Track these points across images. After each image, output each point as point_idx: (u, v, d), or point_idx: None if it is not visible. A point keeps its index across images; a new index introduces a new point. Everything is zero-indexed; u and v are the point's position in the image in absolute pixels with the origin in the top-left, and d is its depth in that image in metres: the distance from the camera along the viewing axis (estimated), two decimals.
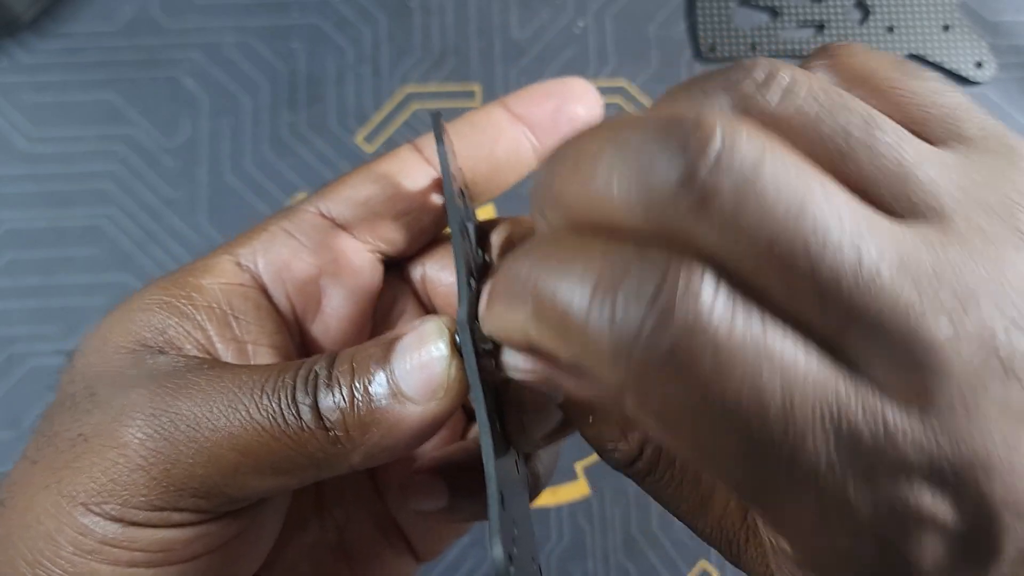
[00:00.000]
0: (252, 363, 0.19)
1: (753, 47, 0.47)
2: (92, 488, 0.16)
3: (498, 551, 0.13)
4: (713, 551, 0.42)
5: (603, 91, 0.46)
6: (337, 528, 0.22)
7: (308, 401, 0.16)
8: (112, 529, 0.16)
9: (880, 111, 0.14)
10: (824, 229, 0.11)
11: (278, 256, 0.20)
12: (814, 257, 0.11)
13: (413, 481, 0.21)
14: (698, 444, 0.12)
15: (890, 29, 0.47)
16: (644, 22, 0.47)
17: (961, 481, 0.12)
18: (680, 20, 0.47)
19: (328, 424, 0.16)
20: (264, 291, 0.20)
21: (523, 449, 0.20)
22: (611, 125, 0.13)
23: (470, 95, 0.46)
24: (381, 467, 0.23)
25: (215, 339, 0.19)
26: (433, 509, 0.21)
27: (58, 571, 0.16)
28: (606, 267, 0.12)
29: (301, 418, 0.16)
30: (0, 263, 0.43)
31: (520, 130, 0.21)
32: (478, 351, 0.16)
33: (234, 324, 0.19)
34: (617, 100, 0.46)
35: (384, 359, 0.16)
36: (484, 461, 0.15)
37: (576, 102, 0.22)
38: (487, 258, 0.20)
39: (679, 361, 0.11)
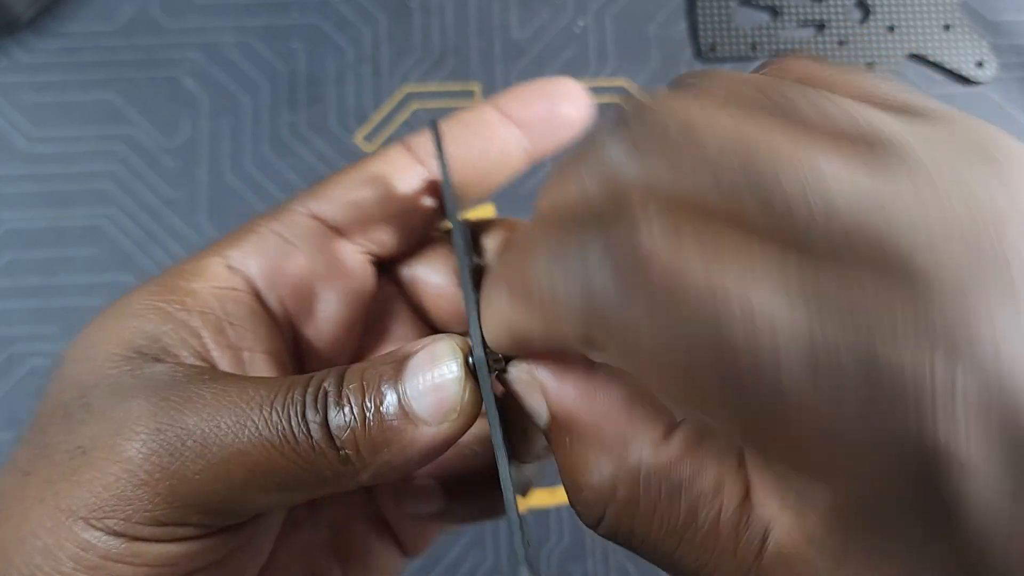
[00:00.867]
0: (249, 371, 0.19)
1: (753, 47, 0.47)
2: (93, 503, 0.16)
3: None
4: None
5: (603, 91, 0.46)
6: (329, 527, 0.22)
7: (318, 419, 0.16)
8: (115, 544, 0.16)
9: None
10: (769, 155, 0.11)
11: (270, 259, 0.20)
12: (765, 185, 0.11)
13: (409, 485, 0.21)
14: (675, 383, 0.12)
15: (891, 29, 0.47)
16: (644, 22, 0.47)
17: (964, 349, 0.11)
18: (680, 20, 0.47)
19: (339, 443, 0.16)
20: (257, 295, 0.20)
21: (524, 460, 0.20)
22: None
23: (470, 95, 0.46)
24: None
25: (211, 346, 0.18)
26: (429, 512, 0.21)
27: None
28: (557, 233, 0.13)
29: (311, 436, 0.16)
30: (0, 263, 0.43)
31: (511, 131, 0.21)
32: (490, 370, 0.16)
33: (229, 330, 0.19)
34: (617, 99, 0.46)
35: (395, 378, 0.16)
36: (503, 490, 0.15)
37: (567, 102, 0.21)
38: (480, 263, 0.20)
39: (629, 290, 0.12)
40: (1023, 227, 0.11)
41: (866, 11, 0.47)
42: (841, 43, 0.47)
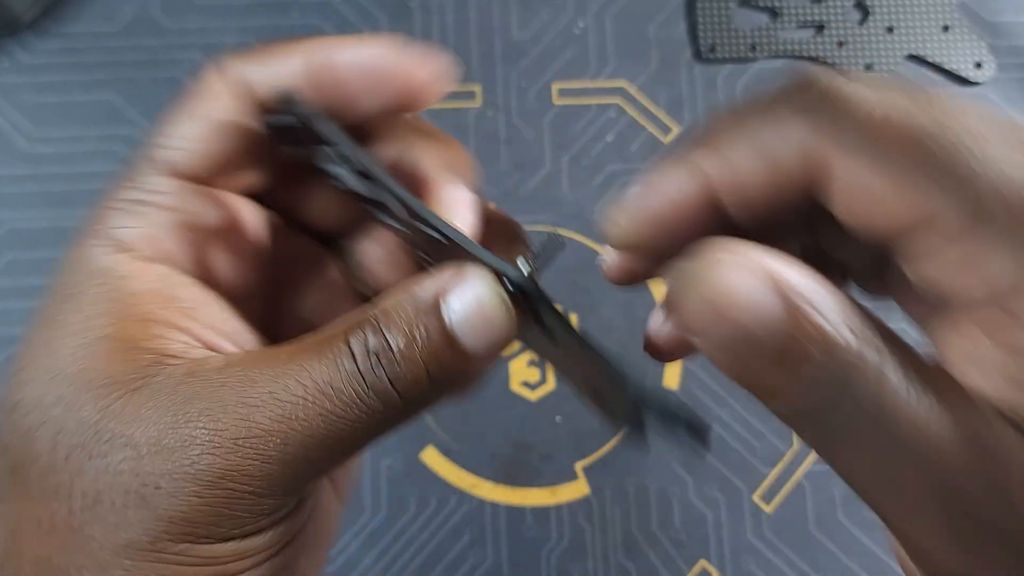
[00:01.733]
0: (242, 348, 0.19)
1: (753, 47, 0.47)
2: (182, 529, 0.16)
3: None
4: (713, 551, 0.42)
5: (603, 91, 0.46)
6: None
7: (381, 381, 0.16)
8: (221, 549, 0.16)
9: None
10: None
11: (170, 230, 0.18)
12: None
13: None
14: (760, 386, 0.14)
15: (890, 29, 0.47)
16: (644, 22, 0.47)
17: None
18: (680, 20, 0.48)
19: (397, 386, 0.16)
20: (185, 271, 0.19)
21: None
22: None
23: (470, 95, 0.46)
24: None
25: (208, 335, 0.18)
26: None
27: None
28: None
29: (374, 396, 0.16)
30: (1, 263, 0.43)
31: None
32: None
33: (199, 314, 0.18)
34: (617, 100, 0.46)
35: (434, 312, 0.17)
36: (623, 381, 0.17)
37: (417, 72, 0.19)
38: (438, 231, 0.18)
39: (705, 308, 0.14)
40: None
41: (865, 12, 0.47)
42: (840, 44, 0.47)
